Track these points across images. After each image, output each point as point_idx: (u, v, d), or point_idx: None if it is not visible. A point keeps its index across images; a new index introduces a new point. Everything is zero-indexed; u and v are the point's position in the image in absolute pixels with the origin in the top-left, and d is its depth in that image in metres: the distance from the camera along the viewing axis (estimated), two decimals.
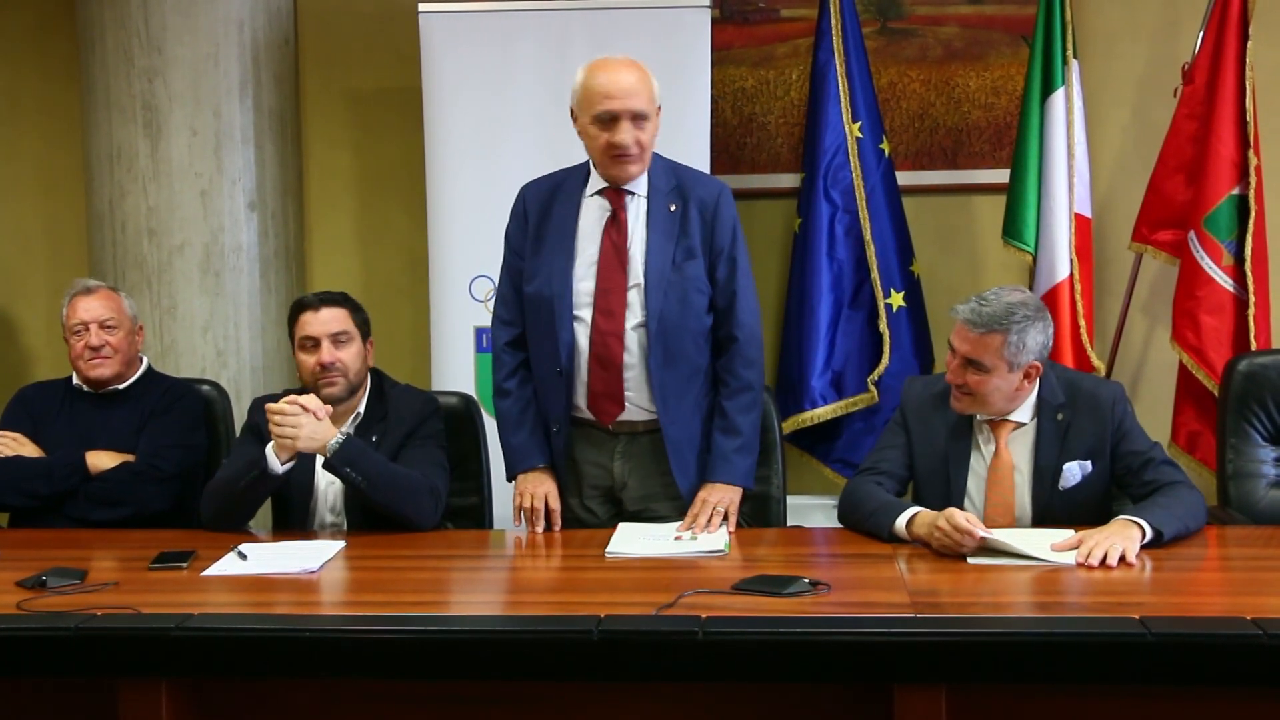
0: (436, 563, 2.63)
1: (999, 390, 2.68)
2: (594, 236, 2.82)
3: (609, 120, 2.70)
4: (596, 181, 2.84)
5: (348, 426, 2.94)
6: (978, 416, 2.77)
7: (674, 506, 2.85)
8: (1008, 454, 2.74)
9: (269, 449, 2.78)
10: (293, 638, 2.11)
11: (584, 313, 2.80)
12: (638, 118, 2.72)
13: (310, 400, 2.79)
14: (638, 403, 2.82)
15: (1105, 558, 2.37)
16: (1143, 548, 2.44)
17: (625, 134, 2.71)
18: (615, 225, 2.81)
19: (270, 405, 2.79)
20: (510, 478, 2.91)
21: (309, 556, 2.55)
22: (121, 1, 4.10)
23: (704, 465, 2.84)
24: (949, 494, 2.75)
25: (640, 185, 2.83)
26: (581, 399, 2.83)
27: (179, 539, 2.74)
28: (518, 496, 2.87)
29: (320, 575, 2.47)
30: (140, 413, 3.17)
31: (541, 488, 2.84)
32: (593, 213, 2.84)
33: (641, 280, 2.79)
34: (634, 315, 2.79)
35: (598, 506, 2.91)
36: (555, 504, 2.84)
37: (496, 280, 3.04)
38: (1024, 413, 2.75)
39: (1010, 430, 2.75)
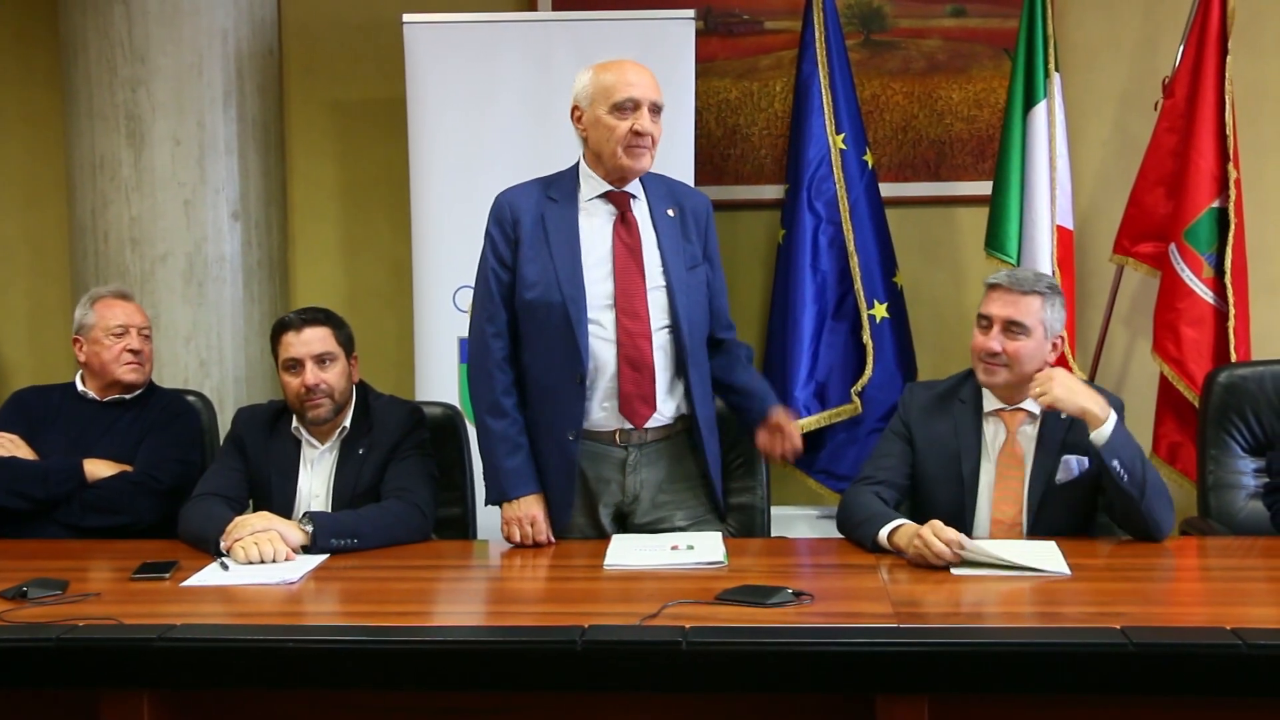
0: (419, 573, 2.63)
1: (1034, 358, 2.74)
2: (601, 239, 2.79)
3: (631, 108, 2.71)
4: (597, 185, 2.81)
5: (333, 442, 2.94)
6: (985, 407, 2.80)
7: (687, 515, 2.86)
8: (1018, 443, 2.77)
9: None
10: (275, 649, 2.10)
11: (601, 315, 2.75)
12: (655, 109, 2.75)
13: (263, 542, 2.60)
14: (662, 408, 2.81)
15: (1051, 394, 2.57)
16: (1103, 474, 2.59)
17: (648, 121, 2.73)
18: (625, 227, 2.80)
19: (235, 544, 2.60)
20: (495, 501, 2.82)
21: (290, 567, 2.54)
22: (105, 11, 4.09)
23: (749, 409, 2.94)
24: (963, 490, 2.77)
25: (637, 190, 2.84)
26: (600, 407, 2.78)
27: (161, 550, 2.73)
28: (514, 525, 2.77)
29: (302, 586, 2.46)
30: (140, 425, 3.16)
31: (537, 511, 2.77)
32: (596, 216, 2.81)
33: (663, 282, 2.79)
34: (657, 318, 2.78)
35: (608, 523, 2.86)
36: (549, 531, 2.79)
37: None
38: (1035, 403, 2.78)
39: (1021, 420, 2.78)
